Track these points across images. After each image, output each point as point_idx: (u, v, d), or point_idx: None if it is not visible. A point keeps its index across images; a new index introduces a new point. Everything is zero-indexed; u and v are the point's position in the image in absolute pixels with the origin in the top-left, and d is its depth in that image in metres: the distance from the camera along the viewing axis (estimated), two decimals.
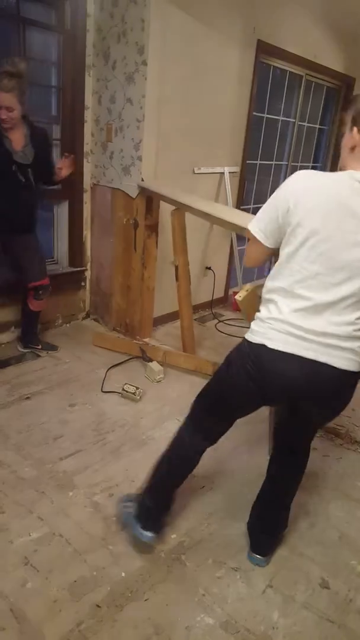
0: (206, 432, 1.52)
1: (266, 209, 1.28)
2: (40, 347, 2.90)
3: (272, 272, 1.29)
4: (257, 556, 1.61)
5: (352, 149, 1.20)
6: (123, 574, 1.52)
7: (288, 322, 1.22)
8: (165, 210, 2.96)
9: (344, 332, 1.20)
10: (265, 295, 1.31)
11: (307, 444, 1.55)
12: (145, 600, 1.45)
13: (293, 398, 1.33)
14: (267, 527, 1.63)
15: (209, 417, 1.50)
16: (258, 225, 1.29)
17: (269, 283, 1.29)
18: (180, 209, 2.64)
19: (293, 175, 1.23)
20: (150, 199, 2.87)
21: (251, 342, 1.30)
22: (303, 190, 1.19)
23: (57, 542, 1.61)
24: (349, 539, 1.76)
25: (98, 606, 1.42)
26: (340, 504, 1.93)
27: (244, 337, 1.36)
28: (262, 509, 1.64)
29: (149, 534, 1.57)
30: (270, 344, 1.24)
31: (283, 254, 1.24)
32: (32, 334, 2.90)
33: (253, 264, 1.42)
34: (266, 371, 1.27)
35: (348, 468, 2.14)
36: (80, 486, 1.87)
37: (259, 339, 1.27)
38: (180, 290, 2.83)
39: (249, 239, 1.37)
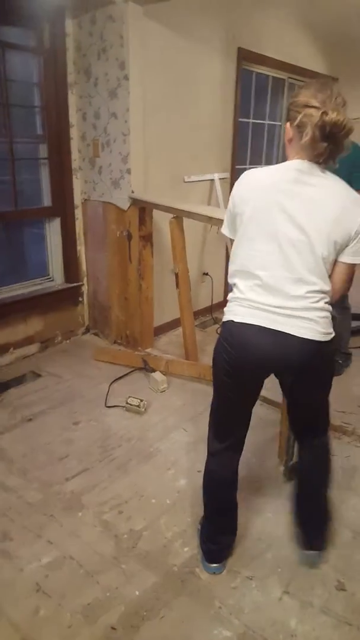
0: (230, 442, 1.52)
1: (226, 210, 1.44)
2: None
3: (230, 257, 1.40)
4: (312, 552, 1.61)
5: (290, 141, 1.29)
6: (137, 593, 1.50)
7: (248, 299, 1.33)
8: (159, 219, 2.97)
9: (301, 305, 1.28)
10: (229, 280, 1.41)
11: (317, 420, 1.55)
12: (161, 618, 1.43)
13: (269, 371, 1.41)
14: (315, 521, 1.63)
15: (225, 425, 1.52)
16: (225, 225, 1.46)
17: (229, 268, 1.40)
18: (179, 216, 2.65)
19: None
20: (142, 210, 2.88)
21: (222, 321, 1.41)
22: (244, 185, 1.35)
23: (68, 565, 1.59)
24: None
25: (113, 628, 1.40)
26: (352, 503, 1.90)
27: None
28: (305, 504, 1.64)
29: (213, 565, 1.60)
30: (236, 318, 1.34)
31: (235, 239, 1.38)
32: None
33: None
34: (238, 344, 1.35)
35: (358, 466, 2.12)
36: (88, 506, 1.85)
37: (227, 316, 1.38)
38: (181, 297, 2.83)
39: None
